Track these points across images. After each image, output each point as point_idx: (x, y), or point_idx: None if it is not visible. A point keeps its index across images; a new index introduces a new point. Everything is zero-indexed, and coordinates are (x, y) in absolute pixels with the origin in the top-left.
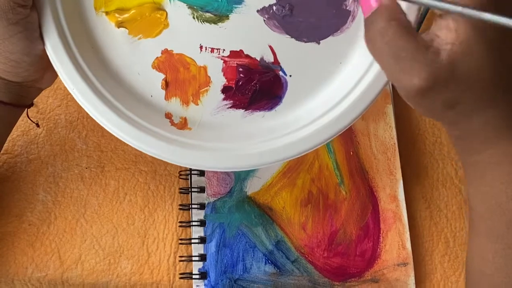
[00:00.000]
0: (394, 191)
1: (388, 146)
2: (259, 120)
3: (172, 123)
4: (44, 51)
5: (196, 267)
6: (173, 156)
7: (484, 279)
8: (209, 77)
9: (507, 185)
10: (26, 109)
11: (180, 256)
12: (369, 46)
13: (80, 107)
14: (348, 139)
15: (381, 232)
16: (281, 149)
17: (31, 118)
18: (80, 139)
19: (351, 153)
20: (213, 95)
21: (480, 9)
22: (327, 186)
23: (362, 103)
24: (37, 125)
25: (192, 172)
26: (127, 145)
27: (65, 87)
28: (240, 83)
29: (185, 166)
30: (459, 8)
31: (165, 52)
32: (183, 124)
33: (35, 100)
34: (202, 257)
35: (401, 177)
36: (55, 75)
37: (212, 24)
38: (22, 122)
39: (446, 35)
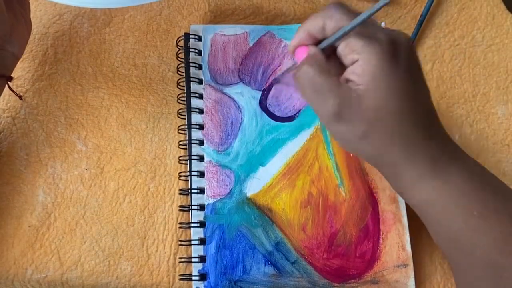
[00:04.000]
0: (393, 192)
1: None
2: None
3: None
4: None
5: (195, 268)
6: None
7: None
8: None
9: (446, 220)
10: (6, 81)
11: (180, 258)
12: (296, 83)
13: (80, 109)
14: None
15: (381, 233)
16: None
17: (15, 91)
18: (79, 140)
19: (351, 154)
20: None
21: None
22: (327, 188)
23: None
24: (20, 97)
25: (192, 173)
26: (127, 146)
27: (65, 88)
28: None
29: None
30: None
31: None
32: None
33: (35, 102)
34: (202, 259)
35: None
36: (23, 33)
37: None
38: (22, 124)
39: (355, 78)
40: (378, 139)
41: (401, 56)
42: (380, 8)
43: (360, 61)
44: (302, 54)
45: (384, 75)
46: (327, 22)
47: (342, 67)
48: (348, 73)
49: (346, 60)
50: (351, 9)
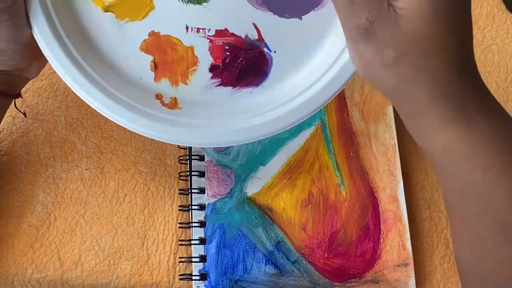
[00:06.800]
0: (394, 192)
1: (388, 146)
2: (247, 96)
3: (163, 103)
4: (31, 39)
5: (196, 268)
6: (166, 135)
7: (467, 268)
8: (197, 56)
9: (463, 171)
10: (13, 99)
11: (180, 257)
12: None
13: (80, 109)
14: (348, 139)
15: (382, 232)
16: (270, 123)
17: (20, 109)
18: (79, 140)
19: (351, 153)
20: (202, 74)
21: None
22: (327, 187)
23: (348, 71)
24: (24, 114)
25: (192, 172)
26: (127, 146)
27: (64, 88)
28: (227, 61)
29: (177, 144)
30: None
31: (152, 34)
32: (173, 104)
33: (35, 102)
34: (202, 258)
35: (401, 178)
36: (42, 64)
37: (197, 5)
38: (22, 124)
39: (400, 5)
40: (406, 68)
41: None
42: None
43: None
44: None
45: (429, 8)
46: None
47: None
48: None
49: None
50: None
